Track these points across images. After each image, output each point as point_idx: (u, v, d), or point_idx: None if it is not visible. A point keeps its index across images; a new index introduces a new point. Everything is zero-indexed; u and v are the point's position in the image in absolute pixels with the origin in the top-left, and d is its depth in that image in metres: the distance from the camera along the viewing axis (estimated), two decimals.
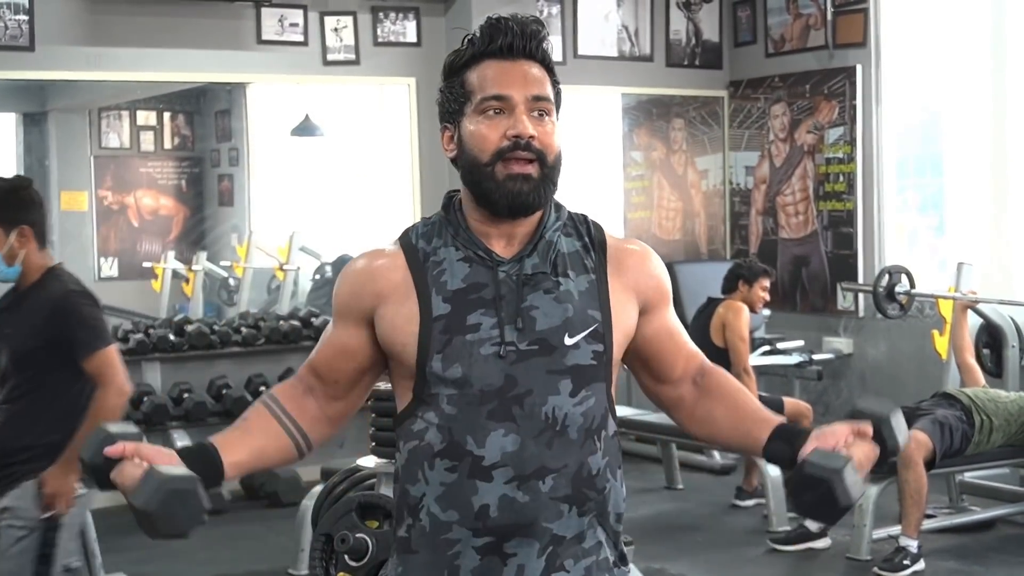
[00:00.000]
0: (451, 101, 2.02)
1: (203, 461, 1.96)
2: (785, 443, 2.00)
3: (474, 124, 1.98)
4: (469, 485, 1.93)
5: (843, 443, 1.93)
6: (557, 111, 2.04)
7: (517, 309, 1.96)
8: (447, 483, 1.95)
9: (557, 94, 2.03)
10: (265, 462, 2.09)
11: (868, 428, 1.96)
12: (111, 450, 1.87)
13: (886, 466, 2.02)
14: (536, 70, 2.00)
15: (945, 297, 6.47)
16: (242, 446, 2.03)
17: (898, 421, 2.00)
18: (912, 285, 6.70)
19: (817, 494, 1.87)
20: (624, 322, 2.03)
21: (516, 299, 1.97)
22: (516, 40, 1.98)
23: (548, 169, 1.98)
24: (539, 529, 1.94)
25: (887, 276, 6.69)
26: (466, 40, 2.03)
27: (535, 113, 1.98)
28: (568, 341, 1.96)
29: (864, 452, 1.93)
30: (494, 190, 1.96)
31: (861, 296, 7.89)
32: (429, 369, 1.96)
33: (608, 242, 2.07)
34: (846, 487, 1.86)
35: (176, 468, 1.89)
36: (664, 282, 2.10)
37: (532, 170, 1.96)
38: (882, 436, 1.97)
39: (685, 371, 2.13)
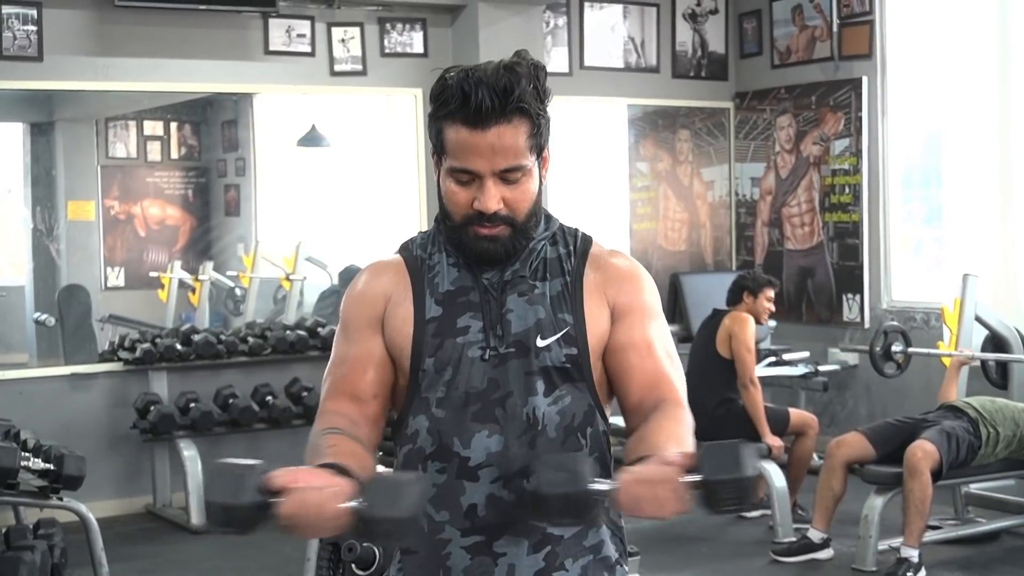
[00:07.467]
0: (433, 141, 2.01)
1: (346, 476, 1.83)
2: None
3: (447, 183, 1.99)
4: (457, 486, 1.98)
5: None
6: (543, 140, 1.98)
7: (498, 314, 2.01)
8: (438, 484, 1.99)
9: (539, 131, 1.97)
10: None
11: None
12: (279, 480, 1.71)
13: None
14: (509, 135, 1.93)
15: (941, 355, 6.46)
16: (356, 465, 1.87)
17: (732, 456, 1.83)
18: (908, 344, 6.67)
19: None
20: (598, 326, 2.02)
21: (497, 304, 2.01)
22: (484, 104, 1.91)
23: (520, 227, 2.00)
24: (526, 527, 1.96)
25: (884, 336, 6.66)
26: (440, 85, 1.96)
27: (505, 177, 1.96)
28: (540, 343, 1.99)
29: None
30: (466, 245, 2.01)
31: (867, 307, 7.90)
32: (422, 371, 2.00)
33: (592, 250, 2.08)
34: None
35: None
36: (639, 294, 2.05)
37: (501, 232, 1.99)
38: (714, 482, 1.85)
39: (642, 400, 1.99)
